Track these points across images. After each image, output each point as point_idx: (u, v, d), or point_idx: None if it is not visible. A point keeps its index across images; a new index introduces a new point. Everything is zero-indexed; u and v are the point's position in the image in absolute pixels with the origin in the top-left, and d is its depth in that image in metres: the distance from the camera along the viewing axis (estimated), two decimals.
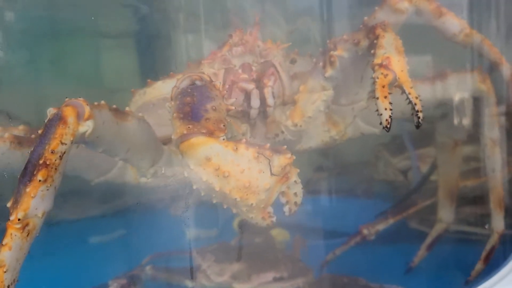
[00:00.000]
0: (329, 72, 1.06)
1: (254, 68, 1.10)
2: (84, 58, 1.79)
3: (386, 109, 0.84)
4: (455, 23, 1.16)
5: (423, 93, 1.02)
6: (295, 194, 0.85)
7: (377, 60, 0.89)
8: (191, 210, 1.52)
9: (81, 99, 0.83)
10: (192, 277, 1.41)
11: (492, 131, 1.31)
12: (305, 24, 1.54)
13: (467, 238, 1.58)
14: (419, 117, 0.85)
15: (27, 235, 0.78)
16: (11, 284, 0.78)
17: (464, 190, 1.59)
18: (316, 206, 1.64)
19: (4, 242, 0.76)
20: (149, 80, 1.20)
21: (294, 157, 0.82)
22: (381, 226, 1.52)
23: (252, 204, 0.81)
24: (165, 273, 1.46)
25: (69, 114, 0.81)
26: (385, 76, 0.86)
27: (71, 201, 1.83)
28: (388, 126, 0.84)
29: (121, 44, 1.91)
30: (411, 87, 0.87)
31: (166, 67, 1.52)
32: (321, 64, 1.08)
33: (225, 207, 0.85)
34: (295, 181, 0.84)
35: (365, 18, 1.15)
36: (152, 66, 1.75)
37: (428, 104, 1.16)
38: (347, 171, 1.92)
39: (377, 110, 0.85)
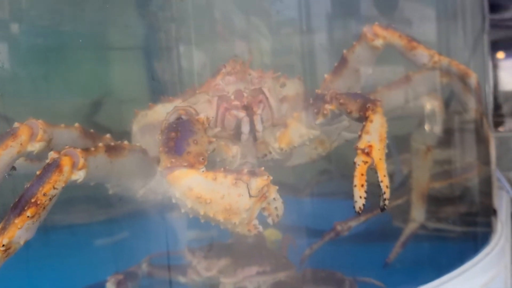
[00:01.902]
0: (320, 120, 1.15)
1: (245, 95, 1.19)
2: (92, 70, 1.87)
3: (361, 197, 0.94)
4: (424, 54, 1.26)
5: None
6: (276, 208, 0.95)
7: (361, 145, 0.98)
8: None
9: (78, 149, 0.93)
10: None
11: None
12: (288, 35, 1.66)
13: (440, 236, 1.69)
14: (385, 203, 0.96)
15: (6, 256, 0.90)
16: None
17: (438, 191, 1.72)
18: (313, 208, 1.73)
19: None
20: (150, 104, 1.29)
21: (271, 178, 0.92)
22: (353, 223, 1.62)
23: (235, 222, 0.90)
24: (160, 269, 1.59)
25: (66, 163, 0.90)
26: (365, 163, 0.96)
27: (79, 206, 1.95)
28: (360, 212, 0.94)
29: (129, 56, 1.98)
30: (385, 175, 0.97)
31: (171, 80, 1.61)
32: (315, 110, 1.15)
33: (213, 224, 0.94)
34: (274, 198, 0.94)
35: (344, 51, 1.26)
36: (159, 77, 1.80)
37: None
38: (348, 175, 2.02)
39: (352, 196, 0.95)
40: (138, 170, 1.12)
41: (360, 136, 0.99)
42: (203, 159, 0.91)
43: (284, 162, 1.30)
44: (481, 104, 1.62)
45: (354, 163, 0.97)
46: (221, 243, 1.64)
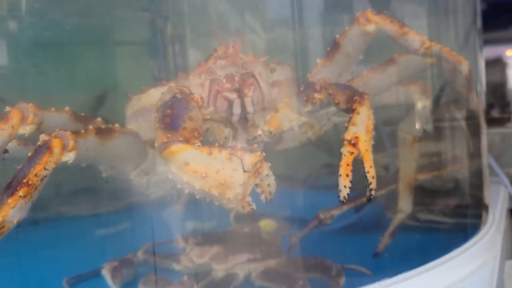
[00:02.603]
0: (309, 108, 1.18)
1: (236, 78, 1.23)
2: (98, 65, 1.92)
3: (345, 186, 0.96)
4: (416, 40, 1.27)
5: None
6: (269, 185, 0.98)
7: (347, 136, 1.00)
8: (192, 205, 1.68)
9: (68, 132, 0.96)
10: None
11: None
12: (282, 32, 1.70)
13: (430, 227, 1.72)
14: (371, 193, 0.99)
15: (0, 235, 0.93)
16: None
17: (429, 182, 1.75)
18: (312, 200, 1.78)
19: None
20: (143, 87, 1.32)
21: (264, 154, 0.94)
22: (336, 212, 1.66)
23: (229, 197, 0.93)
24: (155, 257, 1.63)
25: (56, 145, 0.93)
26: (351, 154, 0.99)
27: (82, 198, 2.00)
28: (344, 201, 0.97)
29: (134, 51, 2.03)
30: (371, 166, 1.00)
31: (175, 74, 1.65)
32: (304, 98, 1.18)
33: (207, 200, 0.96)
34: (267, 175, 0.97)
35: (337, 36, 1.28)
36: (164, 72, 1.86)
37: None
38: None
39: (337, 185, 0.97)
40: (130, 152, 1.15)
41: (346, 128, 1.02)
42: (198, 134, 0.93)
43: (275, 145, 1.34)
44: (471, 91, 1.63)
45: (340, 153, 0.99)
46: (215, 231, 1.68)
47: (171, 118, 0.95)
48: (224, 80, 1.22)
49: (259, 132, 1.26)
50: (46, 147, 0.92)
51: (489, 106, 3.72)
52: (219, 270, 1.47)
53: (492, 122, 2.88)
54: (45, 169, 0.92)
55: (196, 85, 1.21)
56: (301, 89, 1.21)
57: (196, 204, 1.66)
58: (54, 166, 0.93)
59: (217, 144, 0.93)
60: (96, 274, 1.56)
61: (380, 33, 1.27)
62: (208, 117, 1.10)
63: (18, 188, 0.90)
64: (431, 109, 1.55)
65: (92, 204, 1.95)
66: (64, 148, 0.94)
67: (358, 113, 1.03)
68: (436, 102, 1.72)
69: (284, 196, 1.67)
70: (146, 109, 1.25)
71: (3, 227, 0.92)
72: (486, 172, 1.85)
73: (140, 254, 1.63)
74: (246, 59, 1.26)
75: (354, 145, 0.99)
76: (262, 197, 0.99)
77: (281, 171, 1.22)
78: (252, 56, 1.29)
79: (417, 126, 1.51)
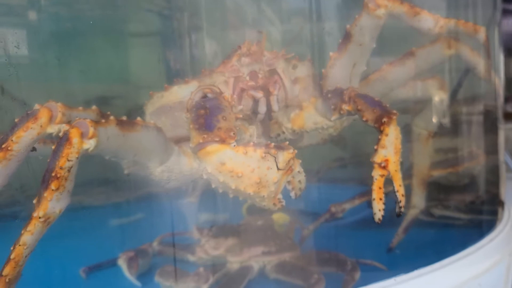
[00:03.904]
0: (336, 116, 1.16)
1: (260, 76, 1.22)
2: (111, 56, 1.91)
3: (380, 210, 0.97)
4: (429, 19, 1.25)
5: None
6: (299, 181, 1.00)
7: (378, 160, 1.00)
8: (205, 197, 1.70)
9: (87, 119, 0.96)
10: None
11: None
12: (298, 24, 1.69)
13: (445, 223, 1.71)
14: (400, 210, 1.00)
15: (47, 225, 0.97)
16: (28, 255, 0.98)
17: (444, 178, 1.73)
18: (324, 193, 1.79)
19: (28, 229, 0.95)
20: (166, 85, 1.31)
21: (296, 151, 0.95)
22: (347, 206, 1.67)
23: (264, 196, 0.94)
24: (170, 248, 1.64)
25: (74, 135, 0.93)
26: (382, 176, 0.99)
27: (97, 189, 2.02)
28: (379, 223, 0.98)
29: (147, 42, 2.02)
30: (400, 185, 1.00)
31: (187, 67, 1.66)
32: (332, 106, 1.16)
33: (240, 199, 0.98)
34: (298, 171, 0.98)
35: (348, 26, 1.26)
36: (176, 64, 1.84)
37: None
38: (361, 162, 2.06)
39: (372, 208, 0.98)
40: (153, 147, 1.14)
41: (376, 150, 1.01)
42: (233, 134, 0.93)
43: (296, 142, 1.33)
44: (490, 59, 1.58)
45: (372, 177, 1.00)
46: (230, 224, 1.69)
47: (205, 119, 0.94)
48: (248, 78, 1.21)
49: (283, 129, 1.26)
50: (65, 139, 0.93)
51: (506, 100, 3.67)
52: (234, 262, 1.49)
53: (508, 116, 2.84)
54: (68, 160, 0.92)
55: (220, 83, 1.20)
56: (329, 95, 1.18)
57: (209, 196, 1.68)
58: (77, 156, 0.94)
59: (251, 144, 0.93)
60: (113, 263, 1.58)
61: (391, 16, 1.24)
62: (241, 116, 1.09)
63: (49, 182, 0.92)
64: (448, 104, 1.54)
65: (109, 194, 1.97)
66: (83, 136, 0.94)
67: (387, 135, 1.02)
68: (453, 96, 1.70)
69: None
70: (169, 107, 1.24)
71: (48, 218, 0.95)
72: (502, 168, 1.84)
73: (155, 245, 1.65)
74: (270, 56, 1.24)
75: (384, 167, 1.00)
76: (292, 194, 1.00)
77: None
78: (276, 53, 1.27)
79: (434, 121, 1.49)
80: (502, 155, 1.84)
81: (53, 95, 1.13)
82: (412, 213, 1.62)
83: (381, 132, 1.03)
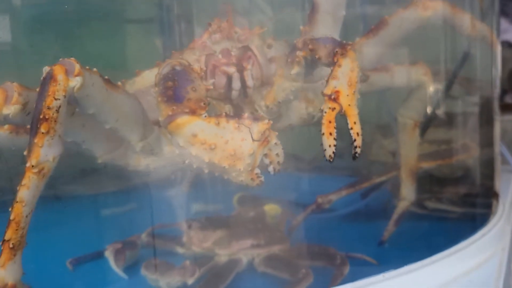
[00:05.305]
0: (295, 69, 1.10)
1: (233, 53, 1.19)
2: (108, 42, 1.87)
3: (330, 145, 0.90)
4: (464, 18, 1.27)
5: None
6: (277, 154, 0.94)
7: (327, 91, 0.93)
8: (195, 188, 1.67)
9: (72, 58, 0.92)
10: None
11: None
12: (289, 14, 1.64)
13: (438, 216, 1.69)
14: (356, 151, 0.91)
15: (43, 177, 0.92)
16: (28, 214, 0.94)
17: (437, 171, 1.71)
18: (317, 184, 1.78)
19: (23, 183, 0.91)
20: (137, 70, 1.28)
21: (272, 122, 0.91)
22: (334, 197, 1.65)
23: (240, 169, 0.90)
24: (158, 240, 1.62)
25: (59, 72, 0.90)
26: (332, 109, 0.91)
27: (89, 177, 1.98)
28: (331, 160, 0.90)
29: (144, 29, 1.98)
30: (355, 122, 0.91)
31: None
32: (289, 60, 1.11)
33: (216, 174, 0.93)
34: (275, 143, 0.93)
35: (386, 16, 1.22)
36: (165, 51, 1.82)
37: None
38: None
39: (321, 144, 0.91)
40: (134, 116, 1.10)
41: (326, 82, 0.94)
42: (204, 104, 0.90)
43: (276, 122, 1.28)
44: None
45: (321, 110, 0.92)
46: (218, 216, 1.67)
47: (174, 90, 0.91)
48: (220, 56, 1.18)
49: (256, 107, 1.22)
50: (49, 78, 0.89)
51: (503, 92, 3.63)
52: (222, 255, 1.46)
53: (505, 108, 2.80)
54: (55, 99, 0.89)
55: (192, 61, 1.15)
56: (287, 54, 1.14)
57: (199, 187, 1.65)
58: (64, 94, 0.90)
59: (224, 114, 0.90)
60: (100, 255, 1.56)
61: (434, 19, 1.23)
62: (211, 87, 1.05)
63: (38, 125, 0.89)
64: (442, 94, 1.50)
65: (97, 184, 1.94)
66: (68, 73, 0.90)
67: (340, 66, 0.94)
68: (448, 87, 1.66)
69: (288, 180, 1.66)
70: (141, 91, 1.21)
71: (43, 168, 0.91)
72: (498, 160, 1.81)
73: (144, 237, 1.62)
74: (241, 32, 1.21)
75: (334, 100, 0.91)
76: (271, 168, 0.94)
77: (287, 150, 1.18)
78: (248, 29, 1.24)
79: (419, 109, 1.45)
80: (498, 147, 1.81)
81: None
82: (402, 206, 1.58)
83: (334, 64, 0.96)
